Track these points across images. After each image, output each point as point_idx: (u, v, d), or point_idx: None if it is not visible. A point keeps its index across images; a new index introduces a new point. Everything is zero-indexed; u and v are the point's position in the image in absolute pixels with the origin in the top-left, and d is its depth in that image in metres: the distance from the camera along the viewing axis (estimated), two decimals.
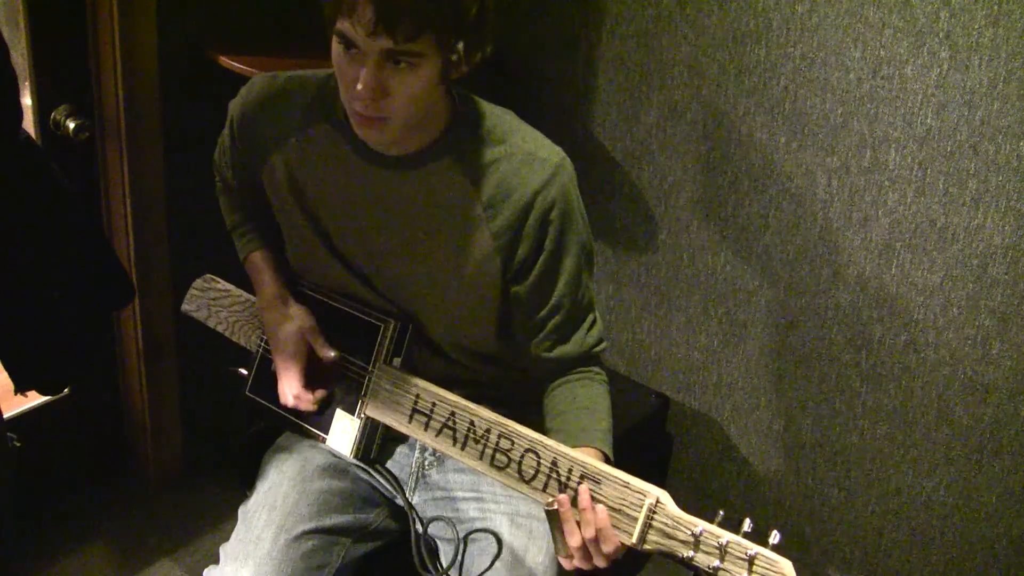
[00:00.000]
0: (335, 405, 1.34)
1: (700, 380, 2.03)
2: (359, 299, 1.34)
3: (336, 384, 1.34)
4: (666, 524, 1.07)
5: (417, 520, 1.32)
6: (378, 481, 1.38)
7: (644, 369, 2.11)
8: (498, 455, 1.19)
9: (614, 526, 1.10)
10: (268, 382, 1.39)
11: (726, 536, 1.03)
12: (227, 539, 1.32)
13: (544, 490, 1.15)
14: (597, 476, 1.12)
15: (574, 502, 1.11)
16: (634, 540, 1.09)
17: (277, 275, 1.41)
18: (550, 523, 1.12)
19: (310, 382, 1.34)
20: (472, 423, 1.21)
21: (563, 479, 1.14)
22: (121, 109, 1.75)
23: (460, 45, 1.10)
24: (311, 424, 1.37)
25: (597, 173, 2.02)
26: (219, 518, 2.04)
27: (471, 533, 1.31)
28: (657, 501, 1.08)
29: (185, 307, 1.55)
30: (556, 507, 1.11)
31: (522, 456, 1.17)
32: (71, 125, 1.72)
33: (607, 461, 1.22)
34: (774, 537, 1.02)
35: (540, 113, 2.05)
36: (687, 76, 1.83)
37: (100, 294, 1.35)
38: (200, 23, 1.84)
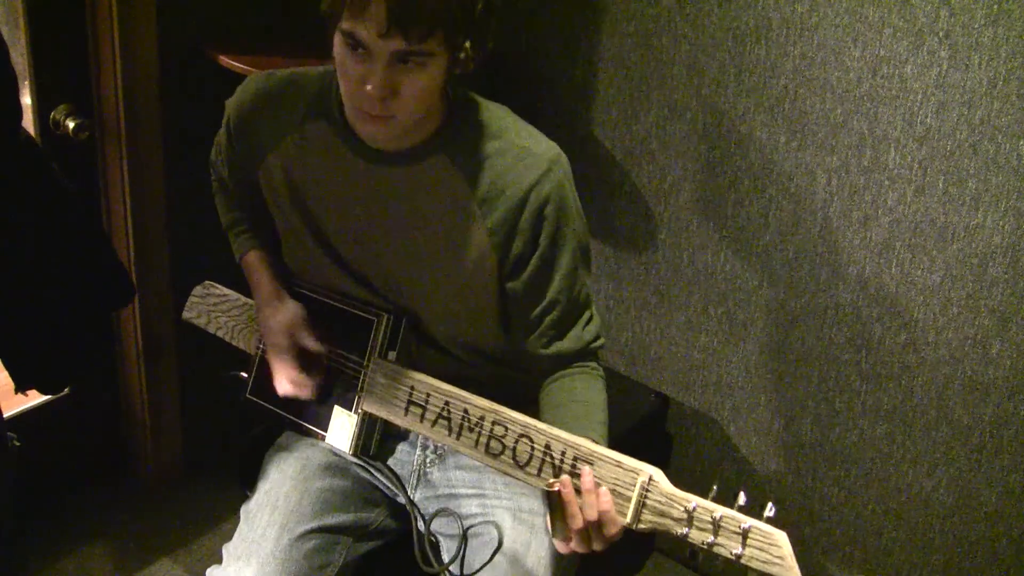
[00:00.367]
0: (333, 402, 1.35)
1: (700, 379, 2.03)
2: (355, 297, 1.35)
3: (333, 381, 1.35)
4: (660, 502, 1.06)
5: (419, 517, 1.32)
6: (379, 479, 1.39)
7: (644, 368, 2.11)
8: (492, 442, 1.19)
9: None
10: (268, 383, 1.39)
11: (720, 510, 1.02)
12: (227, 539, 1.32)
13: (539, 475, 1.15)
14: (590, 457, 1.11)
15: (575, 486, 1.10)
16: (628, 520, 1.08)
17: (273, 274, 1.42)
18: (549, 506, 1.10)
19: (303, 367, 1.34)
20: (466, 411, 1.21)
21: (557, 462, 1.13)
22: (121, 109, 1.75)
23: (468, 43, 1.10)
24: (310, 422, 1.38)
25: (597, 172, 2.02)
26: (219, 518, 2.05)
27: (472, 527, 1.31)
28: (650, 479, 1.07)
29: (186, 315, 1.55)
30: (558, 488, 1.09)
31: (516, 442, 1.17)
32: (71, 124, 1.73)
33: None
34: (769, 510, 1.01)
35: (540, 112, 2.05)
36: (687, 75, 1.83)
37: (100, 293, 1.35)
38: (200, 23, 1.84)
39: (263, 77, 1.33)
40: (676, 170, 1.91)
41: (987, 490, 1.71)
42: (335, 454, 1.38)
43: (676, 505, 1.05)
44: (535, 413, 1.30)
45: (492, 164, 1.22)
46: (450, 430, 1.22)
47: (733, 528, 1.01)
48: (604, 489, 1.09)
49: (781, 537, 1.00)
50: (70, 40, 1.72)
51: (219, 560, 1.30)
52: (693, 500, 1.04)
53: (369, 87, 1.09)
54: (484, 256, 1.25)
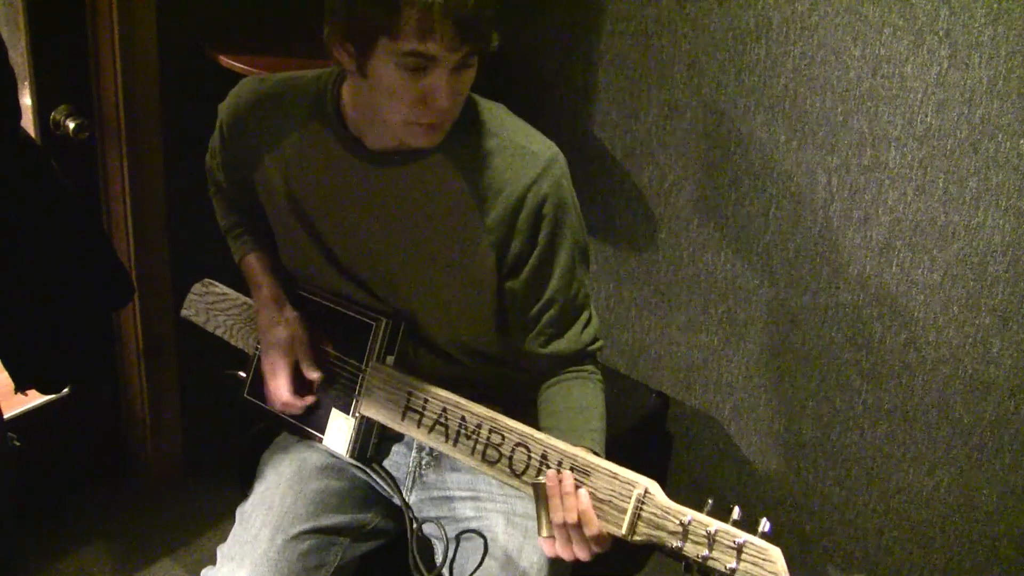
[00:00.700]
0: (330, 405, 1.35)
1: (700, 379, 2.03)
2: (354, 300, 1.34)
3: (331, 384, 1.34)
4: (655, 514, 1.06)
5: (413, 520, 1.32)
6: (375, 481, 1.38)
7: (644, 368, 2.11)
8: (489, 450, 1.19)
9: (604, 518, 1.09)
10: (265, 384, 1.39)
11: (714, 525, 1.02)
12: (226, 538, 1.32)
13: None
14: (586, 468, 1.12)
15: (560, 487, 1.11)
16: (624, 531, 1.08)
17: (272, 276, 1.41)
18: (536, 499, 1.11)
19: (300, 386, 1.34)
20: (463, 419, 1.21)
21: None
22: (121, 109, 1.75)
23: (495, 37, 1.11)
24: (308, 425, 1.37)
25: (597, 172, 2.02)
26: (219, 518, 2.04)
27: (463, 533, 1.31)
28: (646, 491, 1.08)
29: (184, 312, 1.55)
30: (543, 480, 1.11)
31: (512, 450, 1.17)
32: (71, 125, 1.73)
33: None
34: (764, 525, 1.01)
35: (540, 112, 2.05)
36: (687, 75, 1.83)
37: (100, 293, 1.35)
38: (200, 23, 1.84)
39: (255, 81, 1.33)
40: (676, 170, 1.91)
41: (988, 489, 1.71)
42: (332, 455, 1.38)
43: (671, 518, 1.05)
44: (534, 415, 1.30)
45: (490, 162, 1.22)
46: (447, 437, 1.22)
47: (728, 543, 1.01)
48: (583, 491, 1.10)
49: (775, 553, 1.00)
50: (70, 40, 1.72)
51: (216, 561, 1.30)
52: (688, 513, 1.04)
53: (442, 101, 1.09)
54: (483, 255, 1.25)
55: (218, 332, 1.50)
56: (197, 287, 1.54)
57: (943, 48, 1.54)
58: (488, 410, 1.21)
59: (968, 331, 1.65)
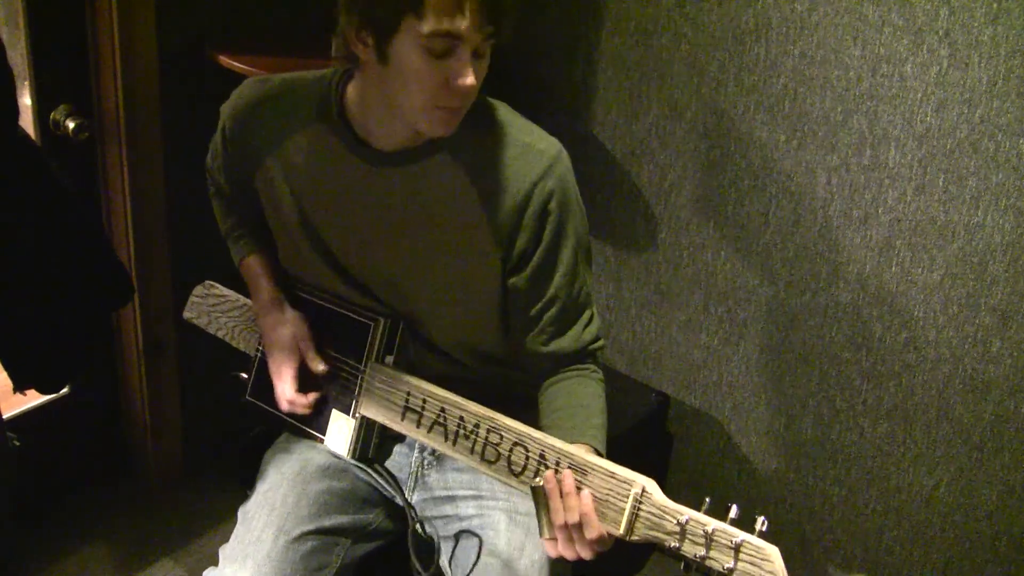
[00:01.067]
0: (331, 406, 1.35)
1: (700, 378, 2.03)
2: (354, 301, 1.34)
3: (332, 385, 1.34)
4: (653, 513, 1.06)
5: (415, 519, 1.32)
6: (377, 481, 1.38)
7: (644, 368, 2.11)
8: (488, 449, 1.19)
9: (601, 517, 1.09)
10: (267, 385, 1.39)
11: (712, 524, 1.02)
12: (227, 540, 1.32)
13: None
14: (584, 467, 1.11)
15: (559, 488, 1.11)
16: (621, 531, 1.08)
17: (272, 279, 1.41)
18: (536, 502, 1.11)
19: (304, 385, 1.34)
20: (462, 418, 1.21)
21: (552, 470, 1.14)
22: (121, 109, 1.75)
23: (508, 21, 1.11)
24: (309, 426, 1.37)
25: (597, 172, 2.02)
26: (219, 518, 2.04)
27: (467, 529, 1.31)
28: (643, 490, 1.07)
29: (186, 314, 1.55)
30: (542, 483, 1.10)
31: (511, 449, 1.17)
32: (71, 125, 1.72)
33: (598, 456, 1.21)
34: (761, 524, 1.01)
35: (540, 112, 2.04)
36: (687, 75, 1.83)
37: (99, 293, 1.35)
38: (200, 22, 1.84)
39: (257, 82, 1.33)
40: (676, 169, 1.91)
41: (988, 488, 1.71)
42: (334, 456, 1.38)
43: (669, 517, 1.05)
44: (534, 415, 1.30)
45: (495, 160, 1.22)
46: (446, 436, 1.22)
47: (725, 542, 1.01)
48: (586, 492, 1.09)
49: (773, 552, 0.99)
50: (70, 40, 1.72)
51: (218, 561, 1.30)
52: (686, 513, 1.04)
53: (468, 80, 1.08)
54: (487, 254, 1.25)
55: (219, 334, 1.51)
56: (199, 289, 1.54)
57: (943, 48, 1.54)
58: (486, 410, 1.21)
59: (968, 330, 1.65)
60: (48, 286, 1.26)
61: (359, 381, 1.31)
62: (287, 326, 1.35)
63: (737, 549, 1.00)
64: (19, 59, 1.68)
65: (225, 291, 1.52)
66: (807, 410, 1.89)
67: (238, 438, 1.59)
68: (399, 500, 1.35)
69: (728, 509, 1.02)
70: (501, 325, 1.32)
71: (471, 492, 1.35)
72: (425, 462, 1.39)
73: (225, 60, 1.76)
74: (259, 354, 1.43)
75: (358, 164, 1.25)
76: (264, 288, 1.40)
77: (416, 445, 1.39)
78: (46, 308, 1.26)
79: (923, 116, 1.59)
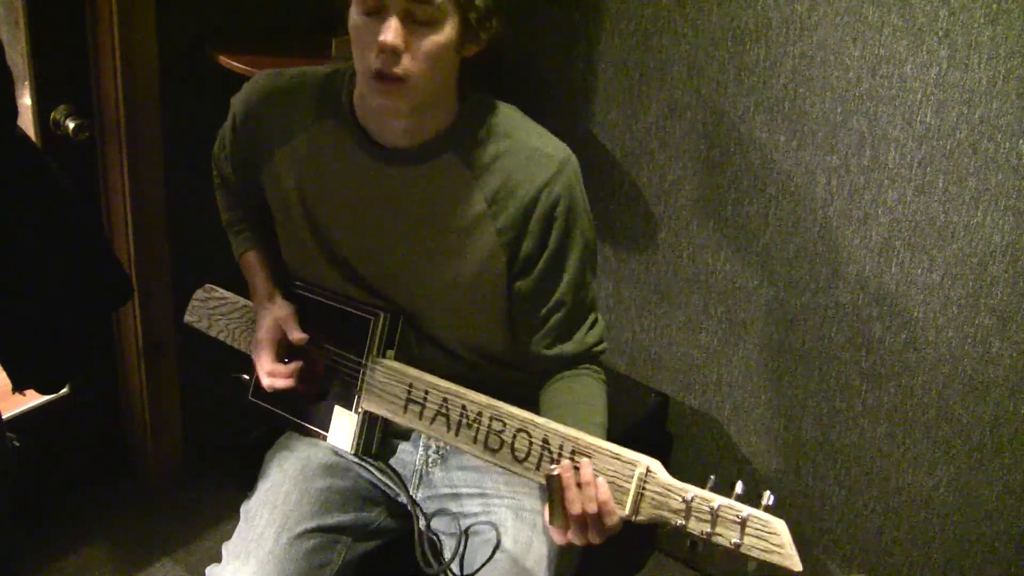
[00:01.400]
0: (333, 402, 1.35)
1: (700, 379, 2.03)
2: (354, 296, 1.34)
3: (333, 381, 1.35)
4: (657, 492, 1.06)
5: (420, 516, 1.32)
6: (380, 480, 1.38)
7: (644, 368, 2.11)
8: (491, 437, 1.19)
9: None
10: None
11: (717, 500, 1.01)
12: (227, 538, 1.32)
13: (538, 469, 1.15)
14: (587, 450, 1.11)
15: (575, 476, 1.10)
16: (627, 512, 1.08)
17: (269, 274, 1.42)
18: (550, 491, 1.10)
19: (300, 377, 1.35)
20: (464, 407, 1.21)
21: (555, 456, 1.14)
22: (121, 108, 1.75)
23: (480, 3, 1.11)
24: (311, 423, 1.38)
25: (597, 172, 2.02)
26: (219, 517, 2.05)
27: (472, 526, 1.31)
28: (647, 470, 1.08)
29: (187, 319, 1.55)
30: (558, 473, 1.09)
31: (514, 437, 1.17)
32: (71, 125, 1.72)
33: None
34: (767, 498, 1.01)
35: (539, 112, 2.04)
36: (686, 75, 1.83)
37: (98, 293, 1.34)
38: (200, 23, 1.84)
39: (271, 75, 1.33)
40: (676, 170, 1.91)
41: (987, 489, 1.71)
42: (336, 454, 1.38)
43: (674, 496, 1.05)
44: (536, 412, 1.30)
45: (503, 164, 1.22)
46: (448, 426, 1.23)
47: (731, 517, 1.00)
48: (602, 480, 1.09)
49: (780, 525, 0.99)
50: (70, 40, 1.72)
51: (219, 560, 1.30)
52: (691, 490, 1.04)
53: (386, 37, 1.08)
54: (493, 256, 1.25)
55: (220, 336, 1.51)
56: (199, 293, 1.54)
57: (942, 48, 1.54)
58: (489, 398, 1.21)
59: (967, 331, 1.65)
60: (47, 286, 1.26)
61: (360, 376, 1.31)
62: (271, 312, 1.36)
63: (743, 524, 0.99)
64: (19, 59, 1.68)
65: (225, 293, 1.52)
66: (807, 410, 1.89)
67: (239, 440, 1.59)
68: (403, 498, 1.35)
69: (733, 485, 1.02)
70: (505, 326, 1.33)
71: (476, 490, 1.35)
72: (430, 460, 1.39)
73: (225, 60, 1.76)
74: None
75: (367, 161, 1.25)
76: (260, 283, 1.41)
77: (420, 443, 1.40)
78: (45, 308, 1.26)
79: (923, 117, 1.59)
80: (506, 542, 1.27)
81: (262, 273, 1.42)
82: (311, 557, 1.26)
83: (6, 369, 1.27)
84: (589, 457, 1.11)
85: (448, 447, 1.38)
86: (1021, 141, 1.51)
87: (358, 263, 1.32)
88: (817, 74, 1.68)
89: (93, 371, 2.01)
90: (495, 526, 1.29)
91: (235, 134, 1.35)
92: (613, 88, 1.95)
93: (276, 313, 1.36)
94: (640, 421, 2.04)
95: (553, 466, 1.11)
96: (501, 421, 1.18)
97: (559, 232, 1.24)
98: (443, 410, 1.23)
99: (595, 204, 2.03)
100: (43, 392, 1.34)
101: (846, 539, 1.92)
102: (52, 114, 1.73)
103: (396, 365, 1.29)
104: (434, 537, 1.34)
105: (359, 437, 1.32)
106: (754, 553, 1.00)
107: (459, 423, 1.22)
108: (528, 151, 1.23)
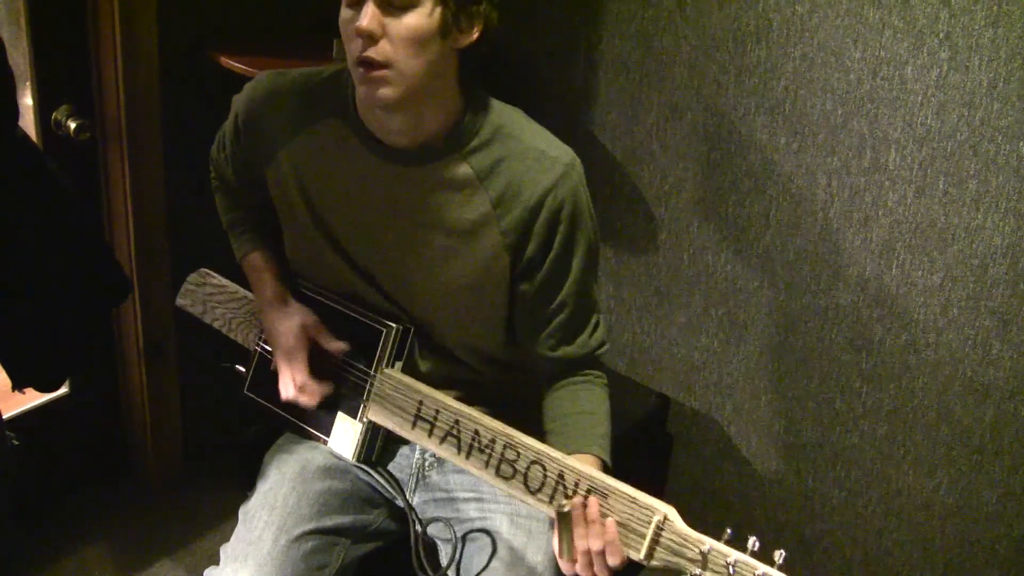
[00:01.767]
0: (337, 408, 1.34)
1: (700, 380, 2.03)
2: (362, 300, 1.34)
3: (337, 387, 1.34)
4: (673, 540, 1.08)
5: (416, 521, 1.32)
6: (379, 482, 1.38)
7: (644, 369, 2.11)
8: (503, 465, 1.19)
9: (622, 541, 1.10)
10: (266, 382, 1.39)
11: (734, 555, 1.03)
12: (227, 539, 1.32)
13: (550, 502, 1.15)
14: (604, 490, 1.12)
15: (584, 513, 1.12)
16: (642, 556, 1.09)
17: (276, 276, 1.41)
18: (560, 526, 1.12)
19: (313, 373, 1.33)
20: (477, 432, 1.21)
21: (570, 492, 1.14)
22: (122, 109, 1.75)
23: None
24: (312, 426, 1.37)
25: (597, 173, 2.02)
26: (219, 518, 2.04)
27: (469, 533, 1.31)
28: (665, 518, 1.09)
29: (180, 301, 1.54)
30: (569, 510, 1.11)
31: (528, 468, 1.17)
32: (72, 125, 1.73)
33: (605, 468, 1.22)
34: (779, 556, 1.03)
35: (540, 114, 2.04)
36: (687, 76, 1.83)
37: (96, 291, 1.34)
38: (201, 23, 1.84)
39: (274, 74, 1.33)
40: (677, 171, 1.91)
41: (988, 491, 1.71)
42: (335, 456, 1.38)
43: (690, 546, 1.06)
44: (539, 418, 1.30)
45: (508, 166, 1.22)
46: (459, 449, 1.22)
47: (747, 574, 1.02)
48: (610, 520, 1.10)
49: None
50: (71, 41, 1.72)
51: (219, 561, 1.30)
52: (707, 542, 1.05)
53: (360, 23, 1.10)
54: (497, 257, 1.25)
55: (216, 324, 1.49)
56: (193, 277, 1.53)
57: (943, 50, 1.54)
58: (502, 425, 1.20)
59: (968, 333, 1.65)
60: (47, 284, 1.26)
61: (368, 386, 1.31)
62: (294, 317, 1.34)
63: None
64: (21, 59, 1.69)
65: (222, 280, 1.50)
66: (807, 412, 1.89)
67: (239, 438, 1.58)
68: (400, 502, 1.35)
69: (747, 540, 1.04)
70: (507, 328, 1.33)
71: (472, 494, 1.35)
72: (426, 463, 1.39)
73: (226, 61, 1.76)
74: (259, 350, 1.43)
75: (373, 161, 1.25)
76: (268, 284, 1.40)
77: (417, 446, 1.39)
78: (45, 306, 1.26)
79: (923, 119, 1.59)
80: (502, 549, 1.27)
81: (268, 274, 1.41)
82: (309, 559, 1.26)
83: (6, 367, 1.27)
84: (605, 497, 1.11)
85: None
86: (1022, 143, 1.51)
87: (362, 259, 1.32)
88: (818, 76, 1.68)
89: (93, 371, 2.01)
90: (491, 532, 1.29)
91: (237, 133, 1.35)
92: (614, 89, 1.95)
93: (303, 319, 1.34)
94: (640, 422, 2.04)
95: (564, 502, 1.12)
96: (515, 450, 1.18)
97: (564, 235, 1.24)
98: (454, 432, 1.22)
99: (596, 205, 2.03)
100: (42, 391, 1.34)
101: (846, 541, 1.92)
102: (53, 114, 1.73)
103: (407, 380, 1.28)
104: (430, 542, 1.34)
105: (361, 446, 1.32)
106: None
107: (471, 447, 1.21)
108: (534, 154, 1.23)
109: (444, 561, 1.31)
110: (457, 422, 1.22)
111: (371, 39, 1.10)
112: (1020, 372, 1.62)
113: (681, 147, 1.89)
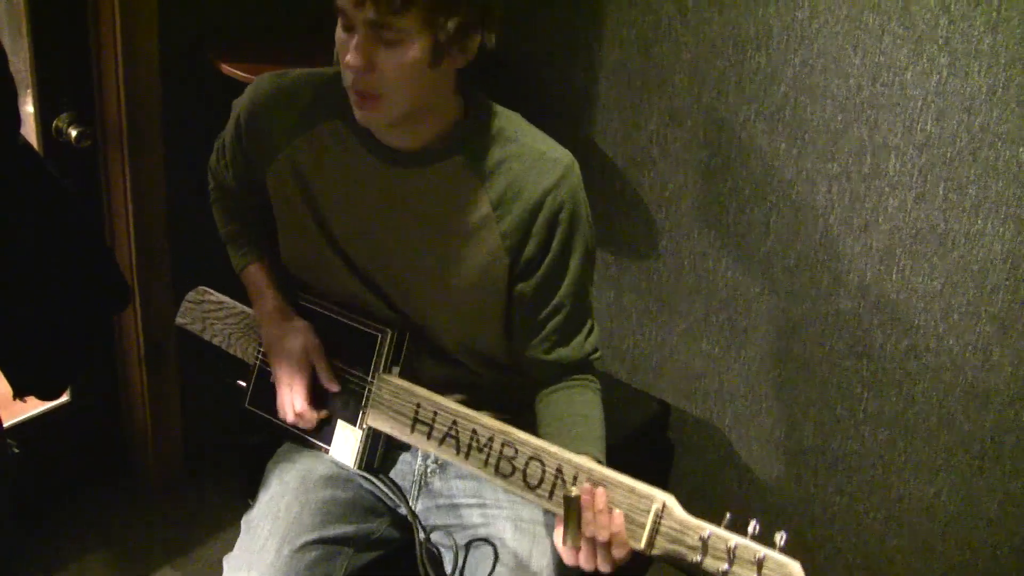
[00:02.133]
0: (337, 416, 1.34)
1: (701, 387, 2.03)
2: (361, 302, 1.34)
3: (337, 395, 1.34)
4: (673, 528, 1.07)
5: (420, 528, 1.32)
6: (381, 490, 1.38)
7: (645, 376, 2.11)
8: (503, 463, 1.19)
9: None
10: (267, 394, 1.39)
11: (734, 539, 1.03)
12: (228, 547, 1.32)
13: (550, 498, 1.15)
14: (603, 481, 1.12)
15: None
16: (642, 545, 1.08)
17: (277, 288, 1.40)
18: (567, 511, 1.10)
19: (311, 398, 1.33)
20: (475, 431, 1.21)
21: (569, 485, 1.14)
22: (123, 116, 1.76)
23: (450, 24, 1.09)
24: (313, 436, 1.37)
25: (598, 179, 2.02)
26: (219, 525, 2.04)
27: (472, 541, 1.31)
28: (664, 506, 1.08)
29: (179, 320, 1.54)
30: (577, 494, 1.09)
31: (527, 464, 1.17)
32: (73, 133, 1.73)
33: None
34: (780, 538, 1.02)
35: (541, 120, 2.04)
36: (687, 83, 1.84)
37: (97, 297, 1.35)
38: (202, 31, 1.84)
39: (274, 76, 1.33)
40: (677, 178, 1.91)
41: (988, 497, 1.70)
42: (337, 465, 1.38)
43: (690, 533, 1.06)
44: (533, 419, 1.30)
45: (508, 167, 1.23)
46: (458, 449, 1.22)
47: (748, 557, 1.02)
48: (617, 511, 1.09)
49: (795, 567, 1.01)
50: (72, 48, 1.72)
51: (220, 570, 1.30)
52: (707, 528, 1.05)
53: (347, 57, 1.10)
54: (496, 259, 1.25)
55: (215, 341, 1.50)
56: (192, 295, 1.53)
57: (943, 56, 1.54)
58: (500, 423, 1.20)
59: (968, 339, 1.65)
60: (46, 291, 1.26)
61: (366, 392, 1.31)
62: (297, 336, 1.34)
63: (760, 564, 1.01)
64: (22, 67, 1.69)
65: (220, 297, 1.51)
66: (808, 418, 1.89)
67: (240, 445, 1.58)
68: (403, 510, 1.35)
69: (747, 525, 1.03)
70: (505, 330, 1.33)
71: (475, 500, 1.35)
72: (429, 469, 1.39)
73: (226, 68, 1.77)
74: (258, 362, 1.43)
75: (374, 163, 1.25)
76: (269, 296, 1.39)
77: (419, 453, 1.39)
78: (45, 313, 1.26)
79: (923, 125, 1.59)
80: (506, 554, 1.27)
81: (269, 286, 1.40)
82: (313, 569, 1.26)
83: (6, 374, 1.27)
84: (604, 487, 1.11)
85: None
86: (1021, 149, 1.51)
87: (363, 262, 1.32)
88: (818, 82, 1.68)
89: (93, 374, 2.01)
90: (495, 538, 1.29)
91: (238, 135, 1.35)
92: (614, 96, 1.95)
93: (304, 343, 1.33)
94: (640, 429, 2.04)
95: (572, 488, 1.12)
96: (513, 447, 1.18)
97: (562, 236, 1.24)
98: (452, 432, 1.22)
99: (596, 212, 2.03)
100: (43, 399, 1.34)
101: (848, 547, 1.91)
102: (55, 122, 1.74)
103: (404, 384, 1.28)
104: (434, 550, 1.33)
105: (362, 453, 1.32)
106: None
107: (469, 446, 1.21)
108: (535, 155, 1.23)
109: (448, 569, 1.31)
110: (455, 423, 1.22)
111: (361, 71, 1.11)
112: (1020, 378, 1.62)
113: (681, 153, 1.89)
